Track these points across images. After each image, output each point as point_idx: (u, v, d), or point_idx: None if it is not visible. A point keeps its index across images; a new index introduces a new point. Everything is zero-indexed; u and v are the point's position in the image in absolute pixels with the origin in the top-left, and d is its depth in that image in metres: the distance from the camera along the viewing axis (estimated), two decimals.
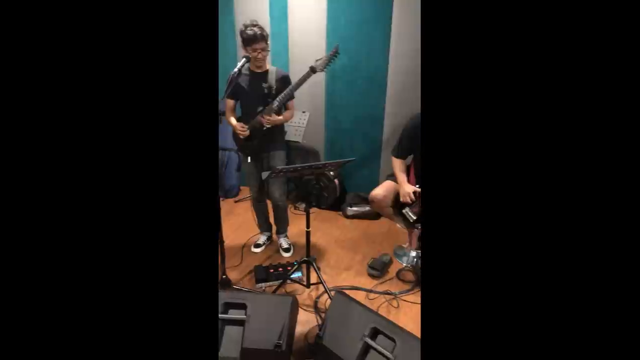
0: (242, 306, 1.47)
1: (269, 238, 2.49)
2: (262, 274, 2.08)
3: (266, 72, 2.03)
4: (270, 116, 1.97)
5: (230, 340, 1.44)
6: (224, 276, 1.94)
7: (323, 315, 1.80)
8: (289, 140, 2.80)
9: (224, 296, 1.53)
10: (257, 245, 2.41)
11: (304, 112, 2.91)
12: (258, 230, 2.48)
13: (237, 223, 2.75)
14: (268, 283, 2.03)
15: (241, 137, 2.07)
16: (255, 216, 2.41)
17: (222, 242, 1.90)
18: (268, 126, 1.99)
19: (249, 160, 2.15)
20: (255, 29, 1.86)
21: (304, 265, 1.97)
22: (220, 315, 1.45)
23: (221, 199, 3.15)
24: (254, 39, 1.86)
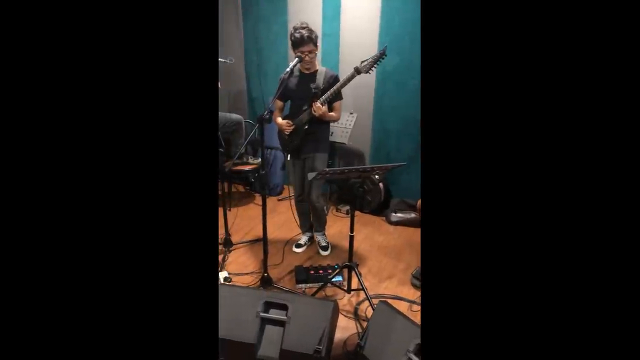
0: (283, 307, 1.46)
1: (311, 239, 2.48)
2: (302, 274, 2.06)
3: (315, 72, 2.02)
4: (319, 107, 1.92)
5: (270, 341, 1.43)
6: (265, 274, 1.96)
7: (363, 323, 1.75)
8: (334, 142, 2.77)
9: (265, 294, 1.53)
10: (299, 246, 2.41)
11: (351, 113, 2.87)
12: (299, 230, 2.48)
13: (280, 221, 2.78)
14: (308, 285, 2.01)
15: (286, 134, 2.09)
16: (296, 216, 2.41)
17: (266, 239, 1.91)
18: (316, 114, 1.96)
19: (289, 158, 2.16)
20: (303, 31, 1.85)
21: (345, 270, 1.93)
22: (261, 314, 1.45)
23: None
24: (300, 42, 1.86)
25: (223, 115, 2.54)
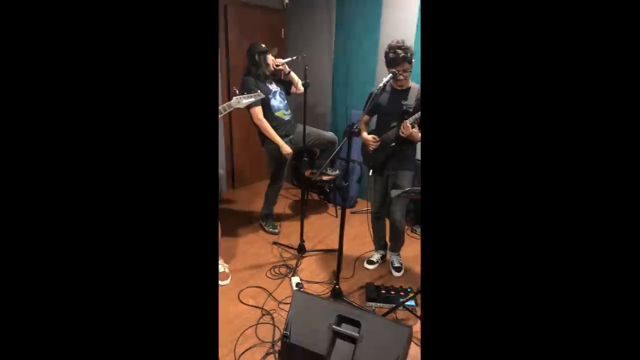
0: (356, 323, 1.44)
1: (383, 257, 2.43)
2: (373, 293, 2.02)
3: (408, 89, 1.99)
4: (407, 127, 1.91)
5: (340, 356, 1.42)
6: (336, 286, 1.96)
7: None
8: (418, 159, 2.69)
9: (338, 307, 1.52)
10: (371, 262, 2.37)
11: None
12: (372, 246, 2.44)
13: (352, 235, 2.77)
14: (378, 304, 1.96)
15: (370, 149, 2.09)
16: (371, 232, 2.38)
17: (342, 251, 1.92)
18: (403, 134, 1.93)
19: (370, 174, 2.14)
20: (400, 51, 1.84)
21: (419, 295, 1.84)
22: (333, 327, 1.45)
23: (338, 207, 3.22)
24: (395, 62, 1.86)
25: (317, 131, 2.64)
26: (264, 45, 2.42)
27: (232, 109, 1.90)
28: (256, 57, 2.37)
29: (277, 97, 2.50)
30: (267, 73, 2.43)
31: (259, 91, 1.99)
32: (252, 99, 1.93)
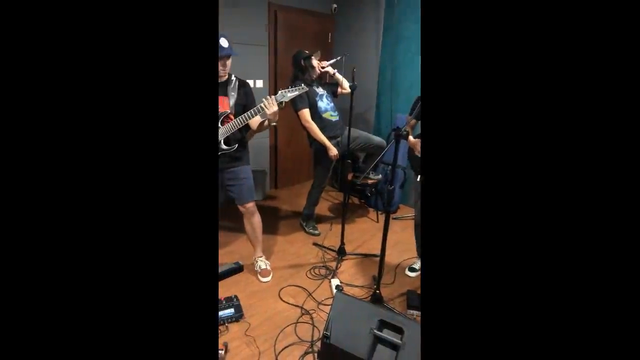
0: (398, 330, 1.40)
1: None
2: (414, 300, 1.97)
3: None
4: None
5: None
6: (377, 291, 1.93)
7: None
8: None
9: (379, 312, 1.50)
10: (413, 270, 2.31)
11: None
12: (414, 253, 2.38)
13: (394, 240, 2.71)
14: (420, 312, 1.90)
15: (417, 153, 2.05)
16: (415, 239, 2.31)
17: (384, 257, 1.89)
18: None
19: (418, 180, 2.10)
20: None
21: None
22: (375, 331, 1.42)
23: (380, 213, 3.18)
24: None
25: (367, 135, 2.63)
26: (307, 52, 2.48)
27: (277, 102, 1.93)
28: (302, 62, 2.44)
29: (324, 99, 2.54)
30: (314, 76, 2.48)
31: (302, 85, 2.00)
32: (297, 92, 1.93)
